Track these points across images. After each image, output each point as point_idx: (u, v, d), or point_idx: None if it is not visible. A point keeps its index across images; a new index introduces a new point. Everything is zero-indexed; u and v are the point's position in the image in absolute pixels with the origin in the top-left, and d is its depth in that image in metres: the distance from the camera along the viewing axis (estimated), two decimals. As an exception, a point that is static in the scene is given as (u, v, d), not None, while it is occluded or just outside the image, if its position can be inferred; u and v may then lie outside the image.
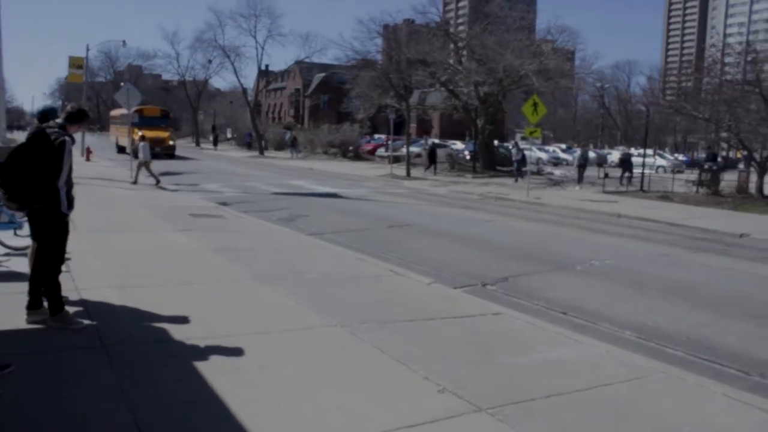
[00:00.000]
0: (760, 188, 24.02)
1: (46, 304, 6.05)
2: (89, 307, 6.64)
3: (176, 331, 6.02)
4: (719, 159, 33.24)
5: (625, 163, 31.26)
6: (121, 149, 44.54)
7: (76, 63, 36.15)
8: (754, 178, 25.19)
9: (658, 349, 6.92)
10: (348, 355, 5.78)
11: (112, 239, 10.88)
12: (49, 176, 5.82)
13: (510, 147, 35.41)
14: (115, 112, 47.50)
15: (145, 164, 22.13)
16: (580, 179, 30.79)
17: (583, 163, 31.93)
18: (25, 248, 7.73)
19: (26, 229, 6.61)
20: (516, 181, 31.11)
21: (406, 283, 8.86)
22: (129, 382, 4.86)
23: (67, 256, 7.65)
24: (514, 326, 7.00)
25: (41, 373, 4.96)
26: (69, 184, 5.99)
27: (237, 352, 5.63)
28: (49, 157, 5.82)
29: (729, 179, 26.63)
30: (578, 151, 37.44)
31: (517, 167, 32.36)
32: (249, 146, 64.50)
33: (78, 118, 6.31)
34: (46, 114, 6.47)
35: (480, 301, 8.11)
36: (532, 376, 5.49)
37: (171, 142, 43.74)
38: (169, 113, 49.35)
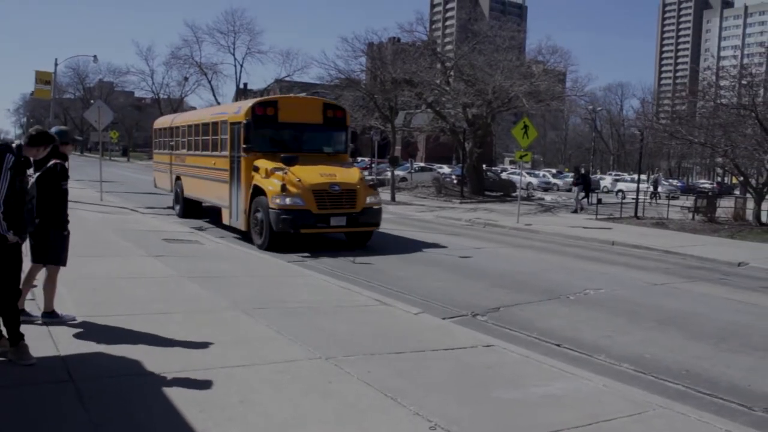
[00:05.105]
0: (757, 215, 23.80)
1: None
2: (57, 339, 6.37)
3: (152, 364, 5.76)
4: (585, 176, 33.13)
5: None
6: (189, 209, 20.45)
7: (43, 78, 35.38)
8: (750, 204, 25.03)
9: (657, 382, 6.71)
10: (334, 388, 5.54)
11: (81, 265, 10.37)
12: None
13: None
14: (168, 120, 24.59)
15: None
16: (654, 196, 30.47)
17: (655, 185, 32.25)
18: None
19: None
20: None
21: (393, 313, 8.61)
22: (101, 420, 4.62)
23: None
24: (507, 359, 6.76)
25: (3, 412, 4.68)
26: (9, 206, 5.56)
27: (217, 386, 5.38)
28: None
29: (725, 206, 26.51)
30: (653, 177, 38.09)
31: None
32: None
33: (36, 142, 6.05)
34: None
35: (471, 332, 7.86)
36: (528, 412, 5.28)
37: (370, 198, 15.27)
38: (346, 114, 17.64)
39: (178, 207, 21.21)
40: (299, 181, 14.22)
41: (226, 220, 16.93)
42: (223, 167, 16.79)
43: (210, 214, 19.54)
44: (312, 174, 14.55)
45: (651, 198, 36.12)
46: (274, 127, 15.93)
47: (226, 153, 16.52)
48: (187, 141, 20.49)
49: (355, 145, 17.50)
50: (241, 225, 15.77)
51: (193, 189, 19.89)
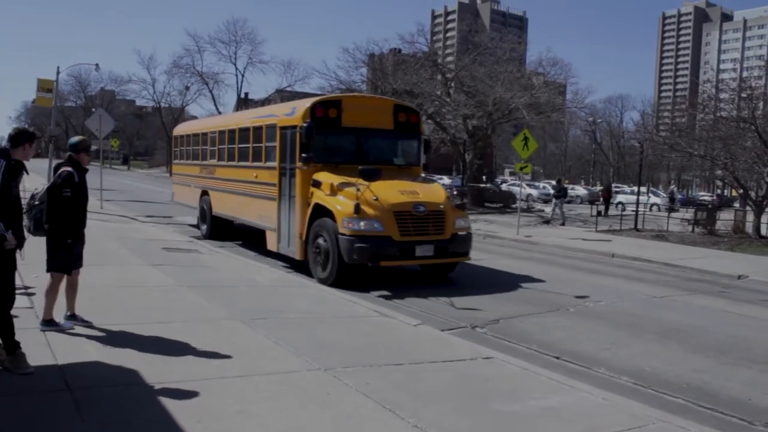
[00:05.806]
0: (757, 228, 23.78)
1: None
2: (55, 347, 6.34)
3: (150, 374, 5.73)
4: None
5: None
6: (217, 229, 17.59)
7: (45, 86, 35.13)
8: (750, 217, 25.03)
9: (657, 396, 6.67)
10: (332, 400, 5.52)
11: (81, 273, 10.47)
12: None
13: None
14: (194, 126, 22.68)
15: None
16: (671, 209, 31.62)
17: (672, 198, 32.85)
18: None
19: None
20: None
21: (393, 324, 8.58)
22: (98, 429, 4.60)
23: (31, 290, 7.38)
24: (507, 371, 6.73)
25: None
26: (7, 210, 5.58)
27: (215, 396, 5.35)
28: None
29: (725, 218, 26.50)
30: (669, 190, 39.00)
31: None
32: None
33: (18, 140, 5.95)
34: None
35: (470, 344, 7.84)
36: (526, 425, 5.27)
37: (459, 222, 12.57)
38: (420, 118, 14.84)
39: (204, 227, 18.03)
40: (376, 200, 11.42)
41: (272, 246, 13.77)
42: (268, 181, 13.83)
43: (243, 235, 17.35)
44: (390, 191, 11.73)
45: (670, 211, 36.11)
46: (336, 133, 13.02)
47: (274, 164, 13.57)
48: (218, 150, 17.37)
49: (428, 156, 14.64)
50: (295, 253, 12.78)
51: (225, 206, 16.80)
